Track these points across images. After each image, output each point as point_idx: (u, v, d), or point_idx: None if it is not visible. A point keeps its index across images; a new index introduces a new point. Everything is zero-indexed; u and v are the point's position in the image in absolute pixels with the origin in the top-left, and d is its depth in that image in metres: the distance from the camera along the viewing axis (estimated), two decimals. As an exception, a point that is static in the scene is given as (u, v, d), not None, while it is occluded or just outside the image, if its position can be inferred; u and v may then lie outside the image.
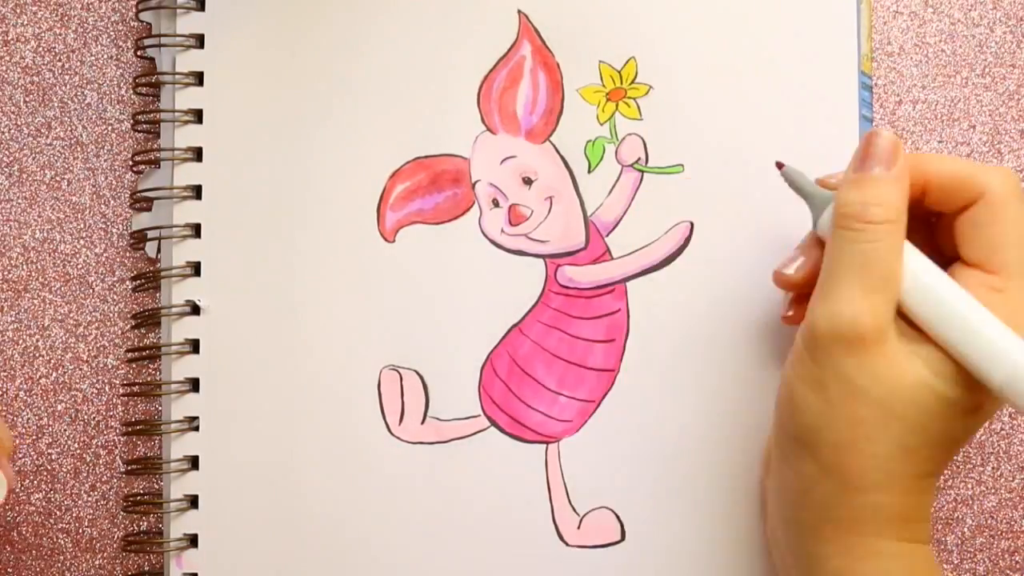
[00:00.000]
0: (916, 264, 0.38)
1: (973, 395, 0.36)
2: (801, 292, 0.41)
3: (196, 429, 0.46)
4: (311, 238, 0.46)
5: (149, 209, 0.47)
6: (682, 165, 0.46)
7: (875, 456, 0.36)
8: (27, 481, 0.48)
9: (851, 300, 0.36)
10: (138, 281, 0.47)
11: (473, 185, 0.46)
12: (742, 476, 0.45)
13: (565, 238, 0.46)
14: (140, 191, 0.47)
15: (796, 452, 0.38)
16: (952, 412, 0.36)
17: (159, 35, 0.47)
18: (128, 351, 0.48)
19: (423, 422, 0.46)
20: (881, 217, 0.37)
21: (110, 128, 0.49)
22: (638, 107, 0.46)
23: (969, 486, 0.48)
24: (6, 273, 0.48)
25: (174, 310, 0.46)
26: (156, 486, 0.47)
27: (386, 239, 0.46)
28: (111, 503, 0.48)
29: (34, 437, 0.48)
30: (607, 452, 0.45)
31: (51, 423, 0.48)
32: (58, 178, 0.49)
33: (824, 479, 0.37)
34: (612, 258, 0.46)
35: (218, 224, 0.46)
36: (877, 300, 0.36)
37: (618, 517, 0.45)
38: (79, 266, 0.48)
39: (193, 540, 0.46)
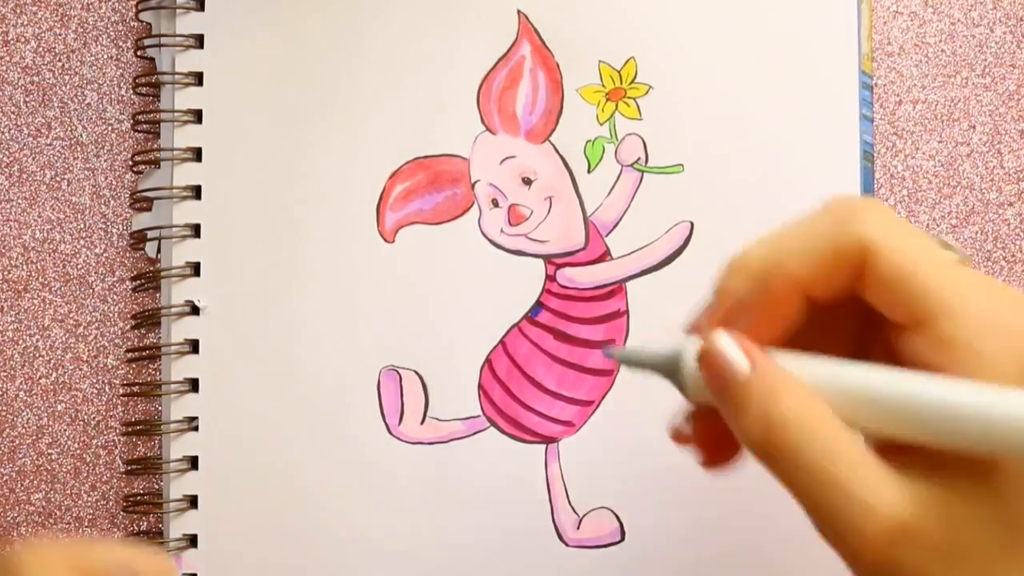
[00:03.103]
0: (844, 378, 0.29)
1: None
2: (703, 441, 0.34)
3: (196, 429, 0.46)
4: (311, 238, 0.46)
5: (149, 209, 0.47)
6: (682, 165, 0.46)
7: None
8: (27, 481, 0.48)
9: (852, 510, 0.28)
10: (138, 281, 0.47)
11: (473, 185, 0.46)
12: (741, 475, 0.45)
13: (565, 238, 0.46)
14: (140, 191, 0.47)
15: None
16: (996, 503, 0.28)
17: (159, 35, 0.47)
18: (128, 351, 0.48)
19: (423, 422, 0.46)
20: (779, 426, 0.29)
21: (110, 128, 0.49)
22: (638, 107, 0.46)
23: None
24: (6, 273, 0.48)
25: (174, 310, 0.46)
26: (156, 486, 0.47)
27: (386, 239, 0.46)
28: (111, 503, 0.48)
29: (34, 437, 0.48)
30: (607, 452, 0.45)
31: (51, 423, 0.48)
32: (58, 178, 0.49)
33: None
34: (612, 258, 0.46)
35: (218, 224, 0.46)
36: (871, 485, 0.28)
37: (618, 517, 0.45)
38: (79, 266, 0.48)
39: (193, 540, 0.46)
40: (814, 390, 0.29)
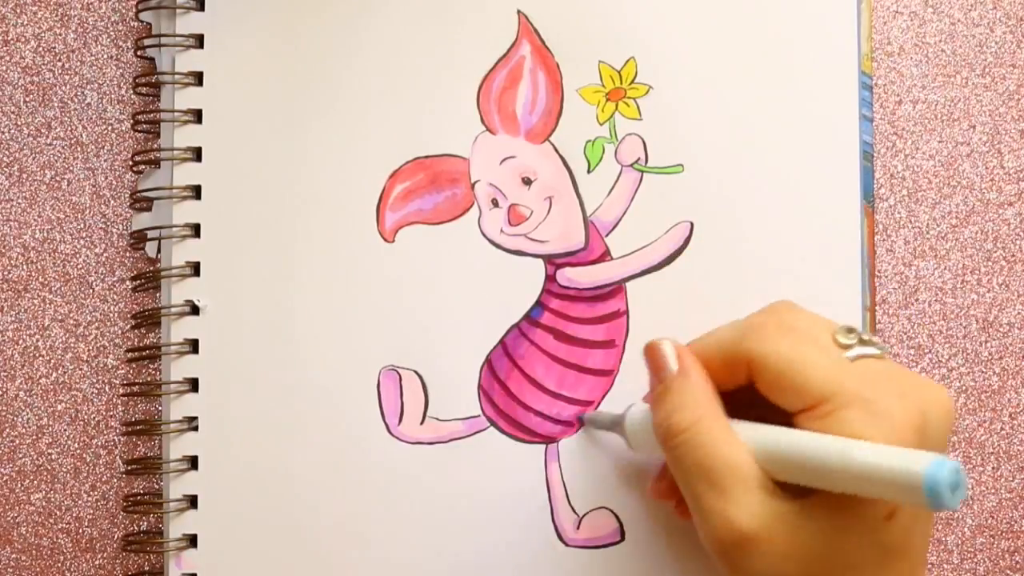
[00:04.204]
0: (759, 435, 0.36)
1: (871, 506, 0.35)
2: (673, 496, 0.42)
3: (196, 429, 0.46)
4: (311, 238, 0.46)
5: (149, 209, 0.47)
6: (682, 165, 0.46)
7: None
8: (27, 481, 0.48)
9: (714, 511, 0.35)
10: (138, 281, 0.47)
11: (473, 185, 0.46)
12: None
13: (565, 238, 0.46)
14: (140, 191, 0.47)
15: None
16: (864, 530, 0.35)
17: (159, 35, 0.47)
18: (128, 351, 0.48)
19: (422, 422, 0.46)
20: (687, 421, 0.37)
21: (110, 128, 0.49)
22: (638, 107, 0.46)
23: (969, 486, 0.47)
24: (6, 273, 0.48)
25: (174, 310, 0.46)
26: (156, 486, 0.47)
27: (386, 239, 0.46)
28: (111, 503, 0.48)
29: (34, 437, 0.48)
30: (606, 452, 0.45)
31: (51, 423, 0.48)
32: (58, 178, 0.49)
33: None
34: (612, 258, 0.46)
35: (218, 224, 0.46)
36: (737, 495, 0.35)
37: (617, 517, 0.45)
38: (79, 266, 0.48)
39: (193, 540, 0.46)
40: (727, 422, 0.37)
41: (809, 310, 0.38)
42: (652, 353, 0.39)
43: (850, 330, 0.37)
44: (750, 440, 0.36)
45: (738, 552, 0.35)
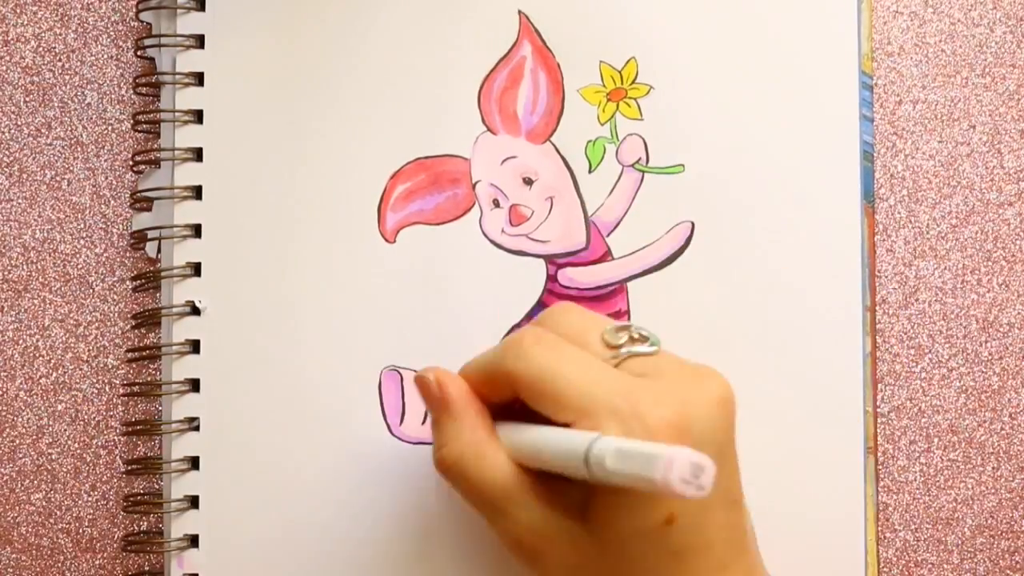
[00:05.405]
0: (515, 437, 0.38)
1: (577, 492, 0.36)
2: None
3: (196, 429, 0.46)
4: (311, 238, 0.46)
5: (149, 209, 0.47)
6: (683, 165, 0.46)
7: None
8: (27, 481, 0.48)
9: (499, 531, 0.37)
10: (138, 281, 0.47)
11: (474, 185, 0.46)
12: (743, 476, 0.45)
13: (566, 238, 0.46)
14: (140, 191, 0.47)
15: None
16: (646, 537, 0.35)
17: (159, 35, 0.47)
18: (128, 351, 0.48)
19: (424, 422, 0.46)
20: (452, 456, 0.38)
21: (110, 128, 0.49)
22: (639, 107, 0.46)
23: (969, 486, 0.48)
24: (6, 273, 0.48)
25: (174, 310, 0.46)
26: (156, 486, 0.47)
27: (387, 240, 0.46)
28: (111, 503, 0.48)
29: (34, 437, 0.48)
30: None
31: (51, 423, 0.48)
32: (58, 178, 0.49)
33: None
34: (613, 258, 0.46)
35: (218, 224, 0.46)
36: (514, 515, 0.37)
37: (619, 517, 0.45)
38: (79, 266, 0.48)
39: (194, 540, 0.46)
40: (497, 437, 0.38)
41: (584, 310, 0.39)
42: (419, 386, 0.40)
43: (620, 329, 0.37)
44: (509, 443, 0.37)
45: (533, 562, 0.37)
